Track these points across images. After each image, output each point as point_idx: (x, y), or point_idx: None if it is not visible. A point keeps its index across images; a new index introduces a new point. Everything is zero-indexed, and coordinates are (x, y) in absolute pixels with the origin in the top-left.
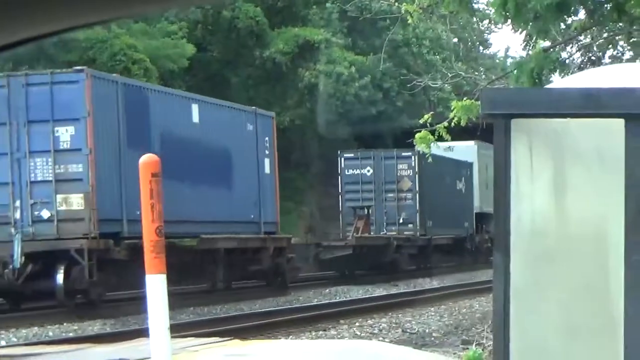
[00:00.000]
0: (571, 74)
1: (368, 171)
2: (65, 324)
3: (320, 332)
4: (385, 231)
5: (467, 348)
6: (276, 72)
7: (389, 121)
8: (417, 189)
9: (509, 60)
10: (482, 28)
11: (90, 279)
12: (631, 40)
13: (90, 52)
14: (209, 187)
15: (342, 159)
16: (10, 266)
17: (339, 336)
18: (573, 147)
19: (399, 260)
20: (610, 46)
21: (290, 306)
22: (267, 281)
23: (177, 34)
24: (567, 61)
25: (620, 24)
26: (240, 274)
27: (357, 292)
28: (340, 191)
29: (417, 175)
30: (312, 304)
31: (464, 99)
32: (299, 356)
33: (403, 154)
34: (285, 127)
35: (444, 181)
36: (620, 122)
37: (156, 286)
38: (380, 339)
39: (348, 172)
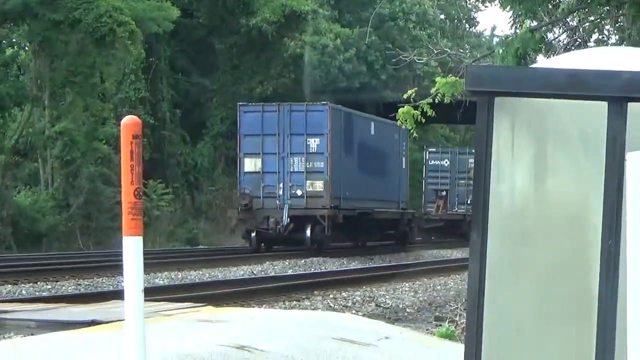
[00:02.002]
0: (556, 55)
1: (446, 162)
2: (39, 283)
3: (294, 302)
4: (456, 209)
5: (440, 325)
6: (261, 41)
7: (372, 93)
8: None
9: (495, 40)
10: (470, 6)
11: (326, 234)
12: (617, 25)
13: (76, 13)
14: (377, 177)
15: (427, 152)
16: (281, 224)
17: (312, 307)
18: (556, 129)
19: (468, 232)
20: (596, 30)
21: (265, 275)
22: (396, 241)
23: None
24: (552, 42)
25: (607, 8)
26: (381, 236)
27: (332, 265)
28: (423, 176)
29: None
30: (287, 274)
31: (449, 75)
32: (270, 324)
33: (474, 150)
34: (268, 96)
35: None
36: (603, 105)
37: (132, 248)
38: (354, 312)
39: (430, 162)
